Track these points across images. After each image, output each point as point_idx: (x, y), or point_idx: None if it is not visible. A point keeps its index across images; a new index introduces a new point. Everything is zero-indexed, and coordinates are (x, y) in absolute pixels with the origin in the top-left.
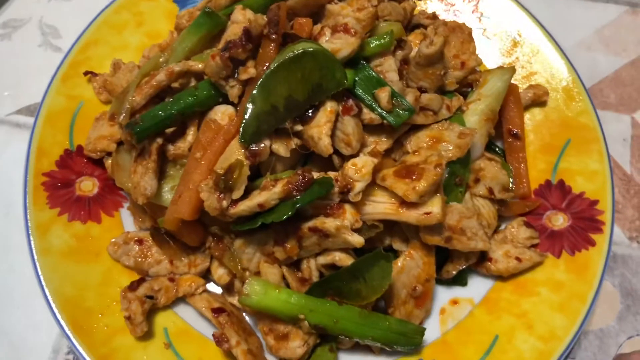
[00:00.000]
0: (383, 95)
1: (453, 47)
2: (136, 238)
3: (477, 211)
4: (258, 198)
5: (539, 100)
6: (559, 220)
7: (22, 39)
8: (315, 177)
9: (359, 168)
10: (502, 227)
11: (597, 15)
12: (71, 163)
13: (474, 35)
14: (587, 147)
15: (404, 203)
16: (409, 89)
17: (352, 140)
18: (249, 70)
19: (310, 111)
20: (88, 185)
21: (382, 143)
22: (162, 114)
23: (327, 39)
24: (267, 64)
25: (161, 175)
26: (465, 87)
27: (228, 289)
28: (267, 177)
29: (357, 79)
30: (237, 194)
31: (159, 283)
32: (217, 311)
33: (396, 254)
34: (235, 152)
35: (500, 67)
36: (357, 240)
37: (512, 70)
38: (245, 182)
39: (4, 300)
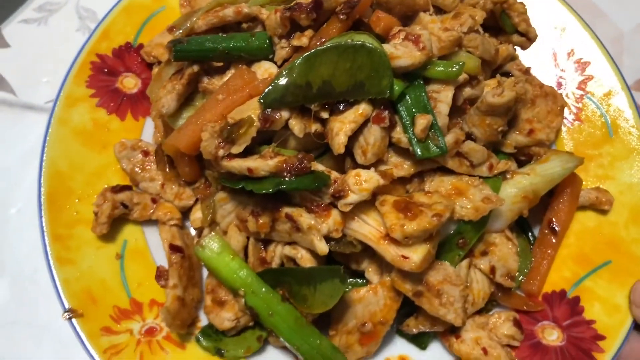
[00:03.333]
0: (422, 121)
1: (534, 112)
2: (144, 148)
3: (468, 284)
4: (250, 162)
5: (599, 206)
6: (552, 336)
7: (59, 24)
8: (318, 169)
9: (361, 180)
10: (492, 312)
11: None
12: (126, 56)
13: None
14: (623, 279)
15: (389, 235)
16: (454, 129)
17: (368, 151)
18: (302, 39)
19: (342, 105)
20: (130, 82)
21: (401, 169)
22: (209, 45)
23: (397, 42)
24: (323, 40)
25: (187, 102)
26: (526, 156)
27: (200, 234)
28: (271, 147)
29: (406, 94)
30: (236, 149)
31: (141, 198)
32: (175, 249)
33: (366, 282)
34: (251, 109)
35: (569, 153)
36: (322, 247)
37: (579, 160)
38: (248, 142)
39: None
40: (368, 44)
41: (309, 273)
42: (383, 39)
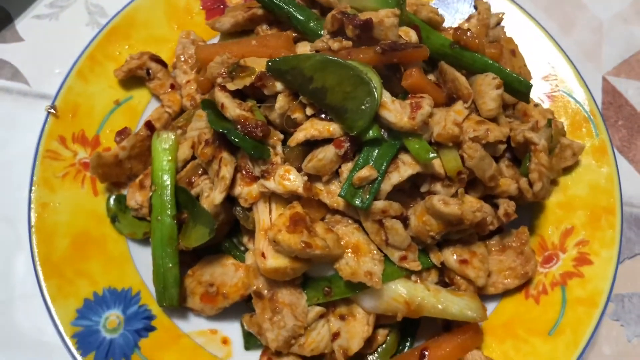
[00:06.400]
0: (365, 173)
1: (495, 257)
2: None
3: (309, 329)
4: (226, 100)
5: None
6: None
7: (70, 19)
8: (275, 147)
9: (284, 177)
10: None
11: None
12: None
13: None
14: None
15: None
16: (391, 201)
17: (311, 162)
18: (334, 44)
19: (324, 114)
20: None
21: (327, 197)
22: (278, 1)
23: (405, 101)
24: (348, 56)
25: (242, 33)
26: (450, 281)
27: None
28: (252, 103)
29: (379, 145)
30: (230, 86)
31: (165, 78)
32: (149, 126)
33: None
34: (260, 65)
35: (481, 308)
36: (216, 197)
37: (479, 317)
38: (240, 86)
39: None
40: (372, 85)
41: (197, 210)
42: (406, 93)
